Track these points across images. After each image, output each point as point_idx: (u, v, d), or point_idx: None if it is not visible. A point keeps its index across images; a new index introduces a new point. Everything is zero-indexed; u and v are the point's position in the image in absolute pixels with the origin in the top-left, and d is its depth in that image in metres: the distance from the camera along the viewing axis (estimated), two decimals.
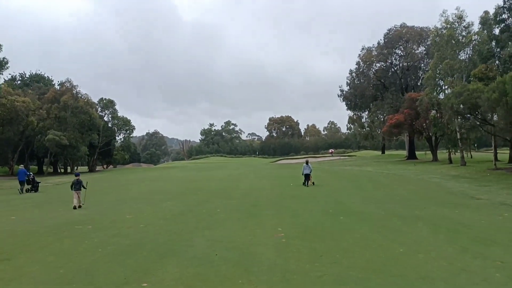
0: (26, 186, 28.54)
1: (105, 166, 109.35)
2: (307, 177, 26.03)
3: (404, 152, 70.86)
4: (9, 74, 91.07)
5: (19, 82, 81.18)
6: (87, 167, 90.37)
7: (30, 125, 54.28)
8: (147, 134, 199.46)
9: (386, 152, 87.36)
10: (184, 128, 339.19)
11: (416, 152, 63.27)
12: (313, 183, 26.17)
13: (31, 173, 31.62)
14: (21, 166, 31.01)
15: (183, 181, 34.38)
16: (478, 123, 34.90)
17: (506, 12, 36.23)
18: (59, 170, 79.38)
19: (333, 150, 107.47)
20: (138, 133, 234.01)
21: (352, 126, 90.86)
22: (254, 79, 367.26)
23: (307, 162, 27.21)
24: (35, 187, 28.67)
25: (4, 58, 42.35)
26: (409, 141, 62.41)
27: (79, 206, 16.84)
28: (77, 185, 17.26)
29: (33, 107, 54.32)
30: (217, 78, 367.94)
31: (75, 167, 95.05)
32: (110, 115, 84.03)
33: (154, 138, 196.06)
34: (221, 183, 30.25)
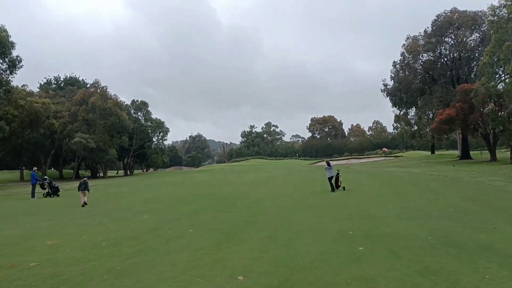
0: (43, 191, 27.02)
1: (144, 169, 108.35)
2: (331, 180, 21.46)
3: (457, 152, 63.99)
4: (44, 78, 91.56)
5: (54, 86, 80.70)
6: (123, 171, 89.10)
7: (50, 128, 52.18)
8: (190, 137, 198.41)
9: (436, 152, 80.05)
10: (229, 131, 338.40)
11: (471, 152, 56.51)
12: (344, 187, 21.64)
13: (47, 177, 29.39)
14: (35, 169, 28.58)
15: (200, 186, 30.67)
16: None
17: None
18: (98, 175, 77.79)
19: (385, 149, 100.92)
20: (183, 136, 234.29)
21: (398, 125, 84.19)
22: (295, 80, 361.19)
23: (328, 164, 22.57)
24: (53, 192, 26.83)
25: (17, 56, 40.17)
26: (462, 139, 55.70)
27: (85, 204, 18.73)
28: (82, 185, 19.33)
29: (53, 109, 52.23)
30: (258, 81, 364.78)
31: (119, 171, 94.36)
32: (143, 117, 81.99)
33: (197, 141, 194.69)
34: (239, 188, 26.32)
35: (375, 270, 6.11)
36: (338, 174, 22.26)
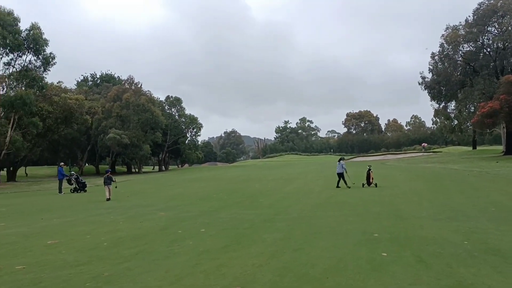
0: (71, 187, 27.02)
1: (179, 165, 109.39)
2: (339, 176, 21.58)
3: (500, 147, 60.84)
4: (81, 75, 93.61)
5: (90, 83, 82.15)
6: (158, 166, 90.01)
7: (84, 123, 52.94)
8: (225, 133, 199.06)
9: (478, 148, 76.62)
10: (265, 127, 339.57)
11: None
12: (376, 184, 20.57)
13: (73, 172, 29.51)
14: (62, 164, 28.62)
15: (229, 182, 30.10)
16: None
17: None
18: (133, 170, 79.10)
19: (425, 144, 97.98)
20: (219, 132, 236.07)
21: (438, 119, 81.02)
22: (331, 75, 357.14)
23: (339, 160, 22.72)
24: (80, 187, 26.77)
25: (51, 53, 40.70)
26: (506, 133, 52.76)
27: (109, 199, 19.11)
28: (107, 180, 19.73)
29: (86, 105, 52.93)
30: (293, 76, 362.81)
31: (160, 166, 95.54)
32: (177, 113, 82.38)
33: (232, 137, 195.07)
34: (268, 184, 25.58)
35: (397, 283, 5.17)
36: (369, 170, 21.20)
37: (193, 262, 6.58)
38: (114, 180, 20.50)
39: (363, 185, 20.88)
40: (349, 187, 20.64)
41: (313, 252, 7.05)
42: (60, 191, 25.68)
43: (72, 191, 26.31)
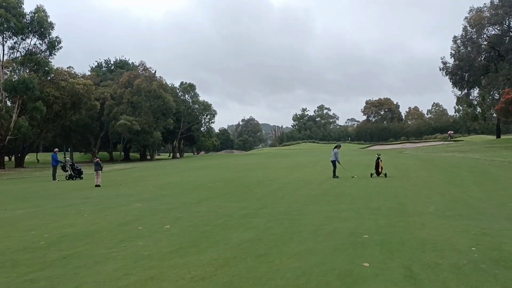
0: (66, 173, 25.92)
1: (195, 152, 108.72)
2: (333, 165, 20.02)
3: None
4: (95, 61, 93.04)
5: (104, 69, 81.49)
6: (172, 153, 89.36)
7: (93, 109, 52.06)
8: (243, 120, 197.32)
9: (503, 136, 73.48)
10: (284, 115, 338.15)
11: None
12: (385, 174, 18.96)
13: (69, 159, 28.51)
14: (56, 151, 27.41)
15: (232, 170, 28.87)
16: None
17: None
18: (147, 157, 78.67)
19: (451, 132, 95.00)
20: (236, 120, 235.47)
21: (460, 107, 77.86)
22: (350, 62, 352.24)
23: (334, 147, 21.09)
24: (76, 174, 25.55)
25: (56, 37, 39.68)
26: None
27: (98, 185, 19.07)
28: (96, 166, 19.87)
29: (95, 91, 52.02)
30: (312, 63, 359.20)
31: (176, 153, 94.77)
32: (191, 100, 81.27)
33: (249, 125, 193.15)
34: (272, 173, 24.29)
35: None
36: (378, 158, 19.58)
37: (122, 272, 5.21)
38: (102, 167, 20.44)
39: (371, 174, 19.36)
40: (337, 177, 19.28)
41: (278, 260, 5.60)
42: (54, 178, 24.70)
43: (67, 178, 25.29)
